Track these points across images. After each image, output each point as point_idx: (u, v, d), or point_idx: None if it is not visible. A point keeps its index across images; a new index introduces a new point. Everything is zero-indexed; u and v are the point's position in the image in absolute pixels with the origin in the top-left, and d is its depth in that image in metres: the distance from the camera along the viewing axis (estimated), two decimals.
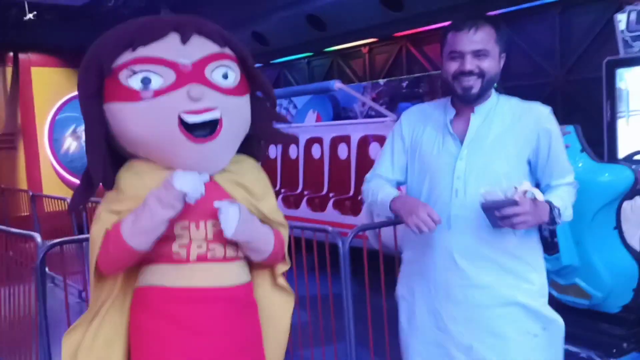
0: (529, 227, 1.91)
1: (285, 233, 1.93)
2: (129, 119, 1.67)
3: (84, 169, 1.80)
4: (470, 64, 1.95)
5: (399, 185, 2.22)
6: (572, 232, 3.18)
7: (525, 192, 1.86)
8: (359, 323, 3.32)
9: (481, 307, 2.01)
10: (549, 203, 1.94)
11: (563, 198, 2.01)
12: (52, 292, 3.83)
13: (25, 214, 7.89)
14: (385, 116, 6.08)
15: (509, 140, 2.02)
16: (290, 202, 6.80)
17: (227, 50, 1.80)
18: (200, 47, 1.73)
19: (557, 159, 2.07)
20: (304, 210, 6.47)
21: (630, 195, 3.33)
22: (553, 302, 3.60)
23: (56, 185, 9.62)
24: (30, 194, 7.51)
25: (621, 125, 4.33)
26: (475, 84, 1.96)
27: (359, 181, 5.03)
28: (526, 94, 6.20)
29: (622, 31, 4.27)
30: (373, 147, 6.13)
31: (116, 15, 8.32)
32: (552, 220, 1.94)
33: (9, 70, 9.57)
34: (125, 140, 1.74)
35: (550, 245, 3.29)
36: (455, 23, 2.00)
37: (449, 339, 2.05)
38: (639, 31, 4.17)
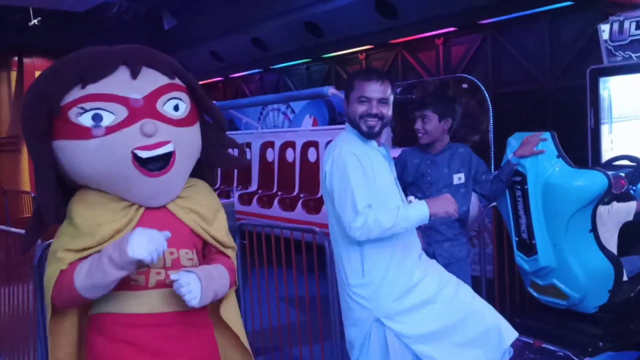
0: None
1: (233, 256, 1.95)
2: (80, 156, 1.67)
3: (35, 207, 1.82)
4: (375, 108, 2.41)
5: None
6: (549, 235, 3.28)
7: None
8: None
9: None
10: None
11: None
12: None
13: (28, 215, 8.02)
14: None
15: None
16: (287, 204, 6.94)
17: (177, 81, 1.82)
18: (150, 80, 1.74)
19: None
20: (298, 212, 6.61)
21: (607, 201, 3.45)
22: (533, 302, 3.73)
23: None
24: (32, 195, 7.64)
25: (605, 131, 4.43)
26: (377, 124, 2.43)
27: None
28: (517, 100, 6.35)
29: (606, 41, 4.38)
30: None
31: (119, 21, 8.48)
32: None
33: (13, 74, 9.73)
34: (76, 176, 1.74)
35: (528, 247, 3.41)
36: (364, 74, 2.48)
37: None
38: (621, 41, 4.28)
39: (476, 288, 4.04)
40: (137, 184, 1.70)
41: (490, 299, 4.29)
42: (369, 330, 2.44)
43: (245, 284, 4.26)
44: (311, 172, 6.95)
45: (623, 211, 3.45)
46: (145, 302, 1.74)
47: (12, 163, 10.09)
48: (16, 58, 9.71)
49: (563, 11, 5.65)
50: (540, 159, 3.22)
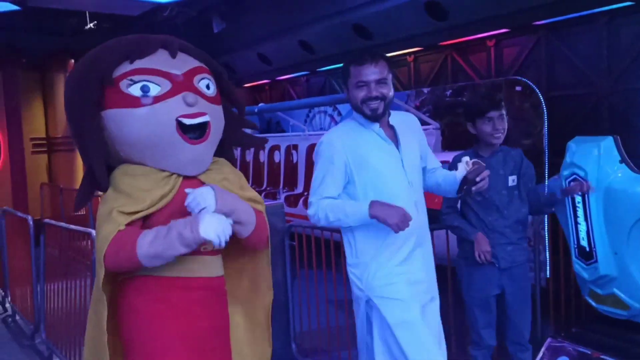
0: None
1: (263, 209, 2.15)
2: (130, 123, 1.85)
3: (85, 173, 1.99)
4: (375, 90, 2.44)
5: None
6: (610, 242, 3.18)
7: (475, 162, 2.52)
8: None
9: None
10: None
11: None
12: None
13: (82, 213, 8.26)
14: (428, 124, 6.15)
15: (414, 141, 2.64)
16: None
17: (204, 66, 2.05)
18: (187, 61, 1.98)
19: (429, 150, 2.80)
20: None
21: None
22: (590, 311, 3.62)
23: None
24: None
25: None
26: (379, 106, 2.47)
27: None
28: (571, 104, 6.20)
29: None
30: None
31: (170, 24, 8.65)
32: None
33: None
34: (124, 144, 1.90)
35: (588, 255, 3.31)
36: (356, 58, 2.47)
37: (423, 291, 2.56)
38: None
39: (531, 296, 3.96)
40: (179, 150, 1.89)
41: (544, 307, 4.19)
42: (360, 307, 2.56)
43: (294, 285, 4.27)
44: None
45: None
46: (183, 268, 1.92)
47: (68, 162, 10.40)
48: (72, 61, 10.00)
49: (622, 12, 5.48)
50: (602, 164, 3.12)
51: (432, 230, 2.85)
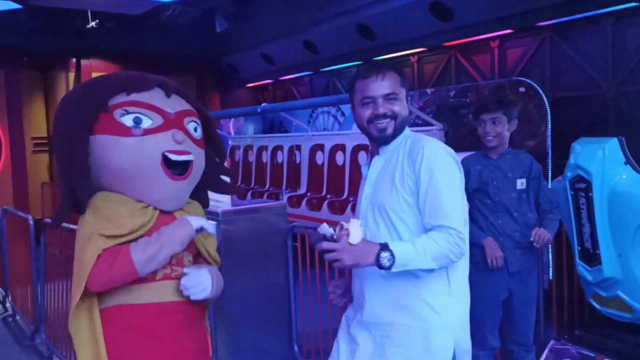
0: (343, 266, 1.90)
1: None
2: (117, 151, 1.89)
3: (64, 193, 1.98)
4: (382, 107, 2.06)
5: None
6: (614, 244, 3.15)
7: (345, 230, 1.88)
8: None
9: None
10: (382, 246, 1.89)
11: (420, 244, 1.91)
12: None
13: None
14: (431, 125, 6.12)
15: (395, 177, 2.05)
16: (336, 207, 6.92)
17: (194, 110, 2.11)
18: (180, 102, 2.05)
19: (435, 198, 1.97)
20: (348, 215, 6.58)
21: None
22: (594, 314, 3.59)
23: None
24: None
25: None
26: (389, 125, 2.07)
27: None
28: (576, 105, 6.16)
29: None
30: None
31: (173, 24, 8.64)
32: (380, 265, 1.88)
33: (71, 75, 10.00)
34: (106, 171, 1.93)
35: (592, 257, 3.28)
36: (361, 72, 2.12)
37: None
38: None
39: None
40: (160, 184, 1.94)
41: (547, 310, 4.16)
42: None
43: (296, 286, 4.25)
44: (360, 176, 6.89)
45: None
46: (153, 293, 1.92)
47: None
48: (74, 60, 9.99)
49: (627, 13, 5.44)
50: (607, 166, 3.10)
51: None
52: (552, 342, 3.96)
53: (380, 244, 1.90)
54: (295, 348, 4.24)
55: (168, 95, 2.02)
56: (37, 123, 10.31)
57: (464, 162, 3.11)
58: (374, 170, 2.16)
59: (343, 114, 7.94)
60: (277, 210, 4.23)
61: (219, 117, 9.98)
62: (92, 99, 1.92)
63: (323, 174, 7.66)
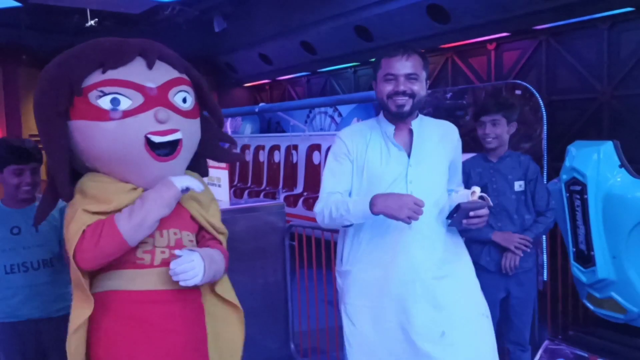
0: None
1: (224, 240, 2.05)
2: (97, 137, 1.77)
3: (49, 183, 1.90)
4: (403, 85, 2.22)
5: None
6: (608, 246, 3.19)
7: (482, 197, 2.18)
8: None
9: (445, 295, 2.26)
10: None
11: None
12: None
13: None
14: None
15: (440, 153, 2.36)
16: None
17: (185, 76, 1.93)
18: (164, 72, 1.86)
19: (458, 168, 2.51)
20: None
21: None
22: (587, 315, 3.63)
23: None
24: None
25: None
26: (407, 102, 2.24)
27: None
28: (571, 108, 6.20)
29: None
30: None
31: (171, 23, 8.66)
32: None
33: None
34: (89, 157, 1.82)
35: (586, 258, 3.32)
36: (388, 50, 2.28)
37: (417, 334, 2.23)
38: None
39: None
40: (146, 167, 1.81)
41: (542, 310, 4.21)
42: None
43: (293, 285, 4.28)
44: None
45: None
46: (151, 280, 1.83)
47: None
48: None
49: (623, 17, 5.50)
50: (602, 168, 3.14)
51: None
52: (546, 342, 4.00)
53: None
54: (292, 346, 4.26)
55: (150, 65, 1.84)
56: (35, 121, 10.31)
57: (465, 165, 3.13)
58: (416, 142, 2.32)
59: (340, 114, 7.97)
60: (274, 209, 4.26)
61: None
62: (64, 80, 1.77)
63: (320, 174, 7.69)
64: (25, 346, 2.62)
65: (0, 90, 9.79)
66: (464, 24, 6.55)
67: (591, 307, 3.49)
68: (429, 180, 2.30)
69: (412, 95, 2.23)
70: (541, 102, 5.39)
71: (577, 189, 3.25)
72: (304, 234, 4.33)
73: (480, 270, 3.06)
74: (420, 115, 2.39)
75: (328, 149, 7.45)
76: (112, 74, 1.77)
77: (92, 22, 8.76)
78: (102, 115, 1.75)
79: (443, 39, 7.00)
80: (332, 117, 8.19)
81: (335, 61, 8.83)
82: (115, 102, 1.75)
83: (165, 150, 1.81)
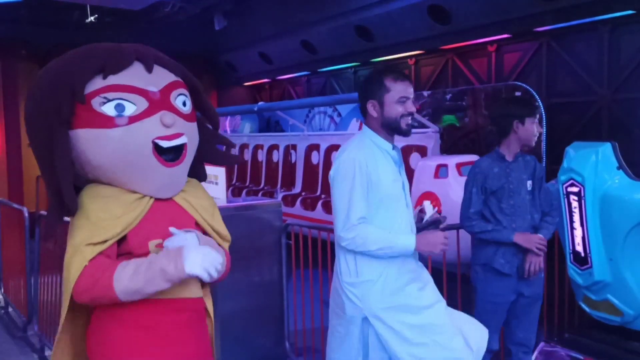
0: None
1: (227, 247, 2.01)
2: (103, 144, 1.70)
3: (51, 194, 1.80)
4: (411, 107, 2.46)
5: None
6: (605, 248, 3.18)
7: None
8: None
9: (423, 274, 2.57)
10: None
11: None
12: None
13: None
14: (427, 127, 6.15)
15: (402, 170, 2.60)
16: (330, 207, 6.93)
17: (181, 79, 1.89)
18: (163, 75, 1.82)
19: None
20: None
21: None
22: (583, 317, 3.62)
23: None
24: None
25: None
26: (411, 122, 2.50)
27: None
28: (571, 111, 6.19)
29: None
30: (414, 157, 6.20)
31: (172, 20, 8.65)
32: None
33: None
34: (93, 166, 1.75)
35: (583, 259, 3.31)
36: (397, 74, 2.47)
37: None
38: None
39: None
40: (154, 173, 1.76)
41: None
42: (355, 327, 2.46)
43: (289, 284, 4.27)
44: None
45: None
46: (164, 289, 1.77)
47: None
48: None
49: (623, 20, 5.49)
50: (600, 170, 3.14)
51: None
52: (541, 344, 3.99)
53: None
54: (287, 345, 4.25)
55: (149, 69, 1.79)
56: None
57: (480, 164, 3.05)
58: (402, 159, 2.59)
59: (339, 114, 7.96)
60: (272, 207, 4.24)
61: None
62: (66, 88, 1.70)
63: (318, 174, 7.68)
64: None
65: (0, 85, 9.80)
66: (465, 25, 6.53)
67: (587, 309, 3.49)
68: (408, 187, 2.60)
69: (412, 115, 2.50)
70: (541, 104, 5.39)
71: (575, 190, 3.25)
72: (301, 233, 4.31)
73: (492, 273, 3.00)
74: None
75: (327, 149, 7.51)
76: (113, 80, 1.72)
77: (92, 18, 8.75)
78: (107, 122, 1.69)
79: (444, 39, 6.99)
80: (331, 117, 8.18)
81: (335, 61, 8.82)
82: (119, 107, 1.70)
83: (171, 155, 1.76)
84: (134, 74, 1.76)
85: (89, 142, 1.71)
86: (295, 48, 8.91)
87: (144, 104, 1.72)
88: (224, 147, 2.15)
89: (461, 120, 6.10)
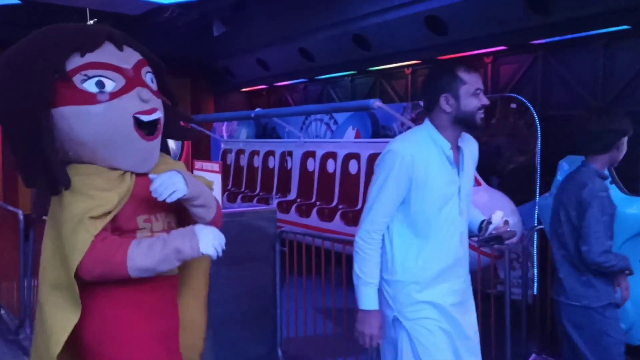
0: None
1: (212, 189, 2.08)
2: (86, 120, 1.74)
3: (41, 177, 1.79)
4: (487, 99, 2.29)
5: None
6: None
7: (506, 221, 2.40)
8: None
9: (469, 300, 2.44)
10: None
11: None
12: None
13: None
14: None
15: (472, 169, 2.45)
16: (325, 215, 6.95)
17: (144, 58, 1.96)
18: (131, 54, 1.90)
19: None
20: (336, 223, 6.61)
21: None
22: None
23: None
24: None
25: None
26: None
27: None
28: (566, 124, 6.20)
29: None
30: None
31: (170, 26, 8.67)
32: None
33: None
34: (76, 143, 1.78)
35: None
36: (468, 66, 2.30)
37: (462, 336, 2.34)
38: None
39: (517, 312, 3.96)
40: (135, 147, 1.82)
41: (531, 324, 4.21)
42: (389, 327, 2.36)
43: (282, 290, 4.28)
44: (351, 184, 6.95)
45: None
46: None
47: None
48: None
49: (618, 35, 5.54)
50: None
51: None
52: (532, 356, 4.01)
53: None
54: (279, 352, 4.26)
55: (120, 48, 1.85)
56: None
57: (603, 186, 2.76)
58: (464, 160, 2.37)
59: (336, 122, 7.99)
60: (266, 214, 4.26)
61: (213, 121, 10.00)
62: (46, 65, 1.72)
63: (313, 181, 7.70)
64: None
65: None
66: (462, 36, 6.58)
67: None
68: (468, 195, 2.41)
69: None
70: (536, 116, 5.43)
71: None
72: (295, 240, 4.33)
73: (612, 308, 2.80)
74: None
75: (322, 156, 7.52)
76: (91, 57, 1.77)
77: (90, 22, 8.77)
78: (89, 98, 1.74)
79: (440, 50, 7.03)
80: (327, 125, 8.20)
81: (332, 69, 8.85)
82: (100, 84, 1.75)
83: (148, 129, 1.84)
84: (108, 53, 1.81)
85: (72, 119, 1.75)
86: (293, 55, 8.94)
87: (121, 80, 1.79)
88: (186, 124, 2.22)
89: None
